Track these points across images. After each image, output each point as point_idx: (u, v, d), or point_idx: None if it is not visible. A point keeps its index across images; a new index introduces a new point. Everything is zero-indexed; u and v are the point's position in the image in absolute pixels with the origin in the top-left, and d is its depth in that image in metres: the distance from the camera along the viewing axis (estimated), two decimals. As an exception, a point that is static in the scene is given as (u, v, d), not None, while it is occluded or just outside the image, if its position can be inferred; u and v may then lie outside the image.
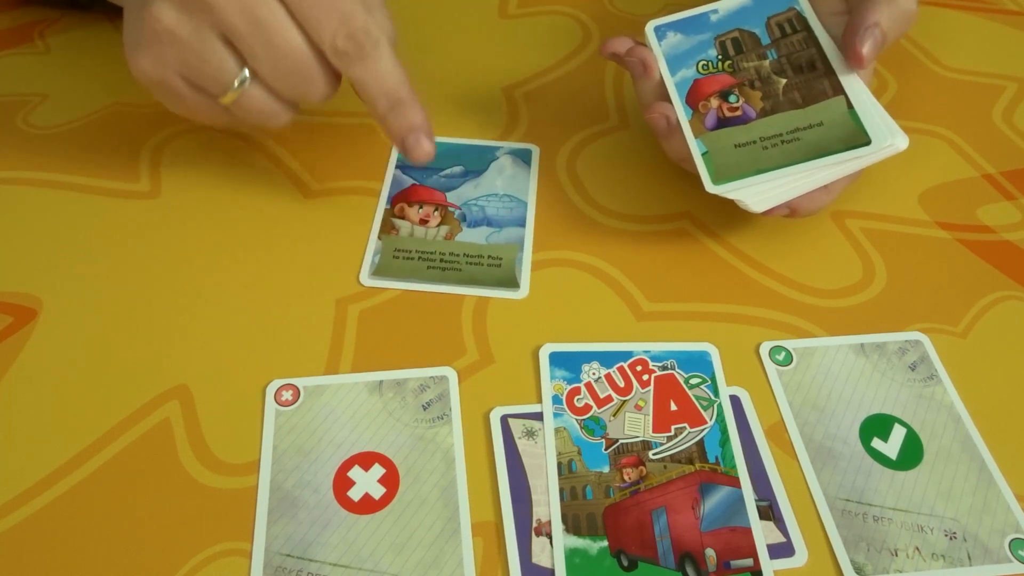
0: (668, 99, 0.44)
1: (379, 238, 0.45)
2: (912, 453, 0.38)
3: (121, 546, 0.34)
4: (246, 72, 0.39)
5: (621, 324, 0.42)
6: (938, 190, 0.49)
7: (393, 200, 0.47)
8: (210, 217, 0.46)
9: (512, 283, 0.43)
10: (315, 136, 0.50)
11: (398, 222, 0.46)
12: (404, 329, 0.41)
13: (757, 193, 0.41)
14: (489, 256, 0.44)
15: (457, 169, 0.48)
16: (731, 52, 0.44)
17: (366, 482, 0.36)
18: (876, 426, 0.38)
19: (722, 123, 0.43)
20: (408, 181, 0.48)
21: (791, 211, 0.42)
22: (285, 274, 0.44)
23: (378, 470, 0.37)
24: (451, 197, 0.47)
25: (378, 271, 0.43)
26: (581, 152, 0.50)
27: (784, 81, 0.43)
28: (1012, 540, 0.35)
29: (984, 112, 0.53)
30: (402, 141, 0.40)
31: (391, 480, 0.36)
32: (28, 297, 0.42)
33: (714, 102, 0.43)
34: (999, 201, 0.48)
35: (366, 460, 0.37)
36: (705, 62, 0.44)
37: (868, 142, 0.40)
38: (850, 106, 0.41)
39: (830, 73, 0.42)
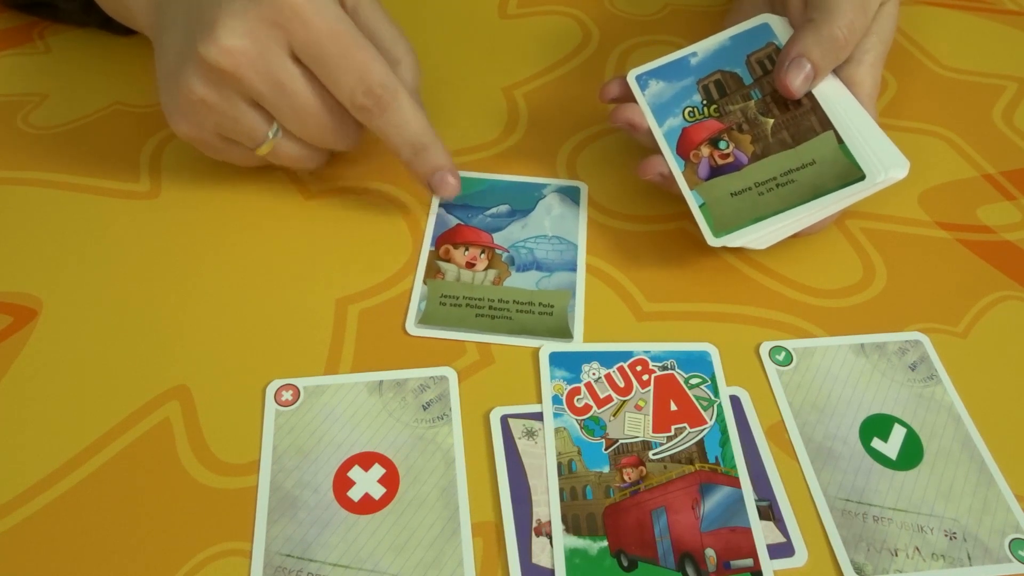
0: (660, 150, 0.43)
1: (424, 283, 0.43)
2: (912, 453, 0.38)
3: (121, 546, 0.34)
4: (276, 126, 0.42)
5: (621, 324, 0.42)
6: (938, 190, 0.49)
7: (437, 241, 0.45)
8: (210, 217, 0.46)
9: (565, 333, 0.41)
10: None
11: (443, 265, 0.44)
12: (403, 329, 0.41)
13: (760, 238, 0.41)
14: (540, 303, 0.42)
15: (503, 208, 0.47)
16: (715, 95, 0.44)
17: (366, 482, 0.36)
18: (876, 426, 0.38)
19: (715, 171, 0.42)
20: (453, 221, 0.46)
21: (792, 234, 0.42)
22: (285, 274, 0.44)
23: (378, 470, 0.37)
24: (498, 238, 0.45)
25: (425, 319, 0.41)
26: (581, 152, 0.50)
27: (771, 121, 0.42)
28: (1012, 540, 0.35)
29: (984, 112, 0.53)
30: (427, 181, 0.43)
31: (391, 480, 0.36)
32: (28, 297, 0.42)
33: (705, 150, 0.42)
34: (999, 201, 0.48)
35: (366, 460, 0.37)
36: (691, 108, 0.44)
37: (862, 177, 0.39)
38: (840, 140, 0.41)
39: (816, 108, 0.42)
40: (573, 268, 0.44)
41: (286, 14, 0.38)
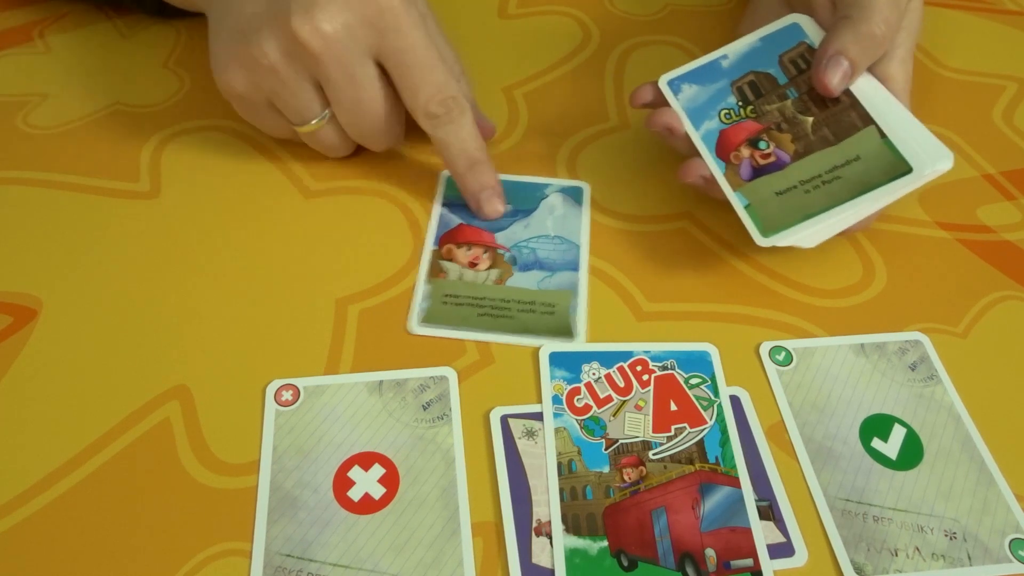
0: (699, 153, 0.43)
1: (427, 282, 0.43)
2: (912, 453, 0.38)
3: (121, 546, 0.34)
4: (327, 113, 0.43)
5: (621, 324, 0.42)
6: (938, 190, 0.49)
7: (440, 241, 0.45)
8: (210, 217, 0.46)
9: (567, 332, 0.41)
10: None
11: (446, 264, 0.44)
12: (404, 328, 0.41)
13: (809, 236, 0.40)
14: (542, 303, 0.42)
15: (506, 208, 0.47)
16: (750, 96, 0.44)
17: (366, 482, 0.36)
18: (876, 426, 0.38)
19: (757, 172, 0.42)
20: (455, 220, 0.46)
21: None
22: (285, 274, 0.44)
23: (378, 470, 0.37)
24: (500, 238, 0.45)
25: (428, 318, 0.41)
26: (581, 152, 0.50)
27: (811, 119, 0.42)
28: (1012, 540, 0.35)
29: (984, 112, 0.53)
30: (476, 197, 0.45)
31: (391, 480, 0.36)
32: (28, 297, 0.42)
33: (745, 151, 0.42)
34: (999, 201, 0.48)
35: (366, 460, 0.37)
36: (727, 111, 0.43)
37: (910, 170, 0.39)
38: (883, 135, 0.40)
39: (855, 104, 0.42)
40: (575, 268, 0.44)
41: (387, 20, 0.40)
